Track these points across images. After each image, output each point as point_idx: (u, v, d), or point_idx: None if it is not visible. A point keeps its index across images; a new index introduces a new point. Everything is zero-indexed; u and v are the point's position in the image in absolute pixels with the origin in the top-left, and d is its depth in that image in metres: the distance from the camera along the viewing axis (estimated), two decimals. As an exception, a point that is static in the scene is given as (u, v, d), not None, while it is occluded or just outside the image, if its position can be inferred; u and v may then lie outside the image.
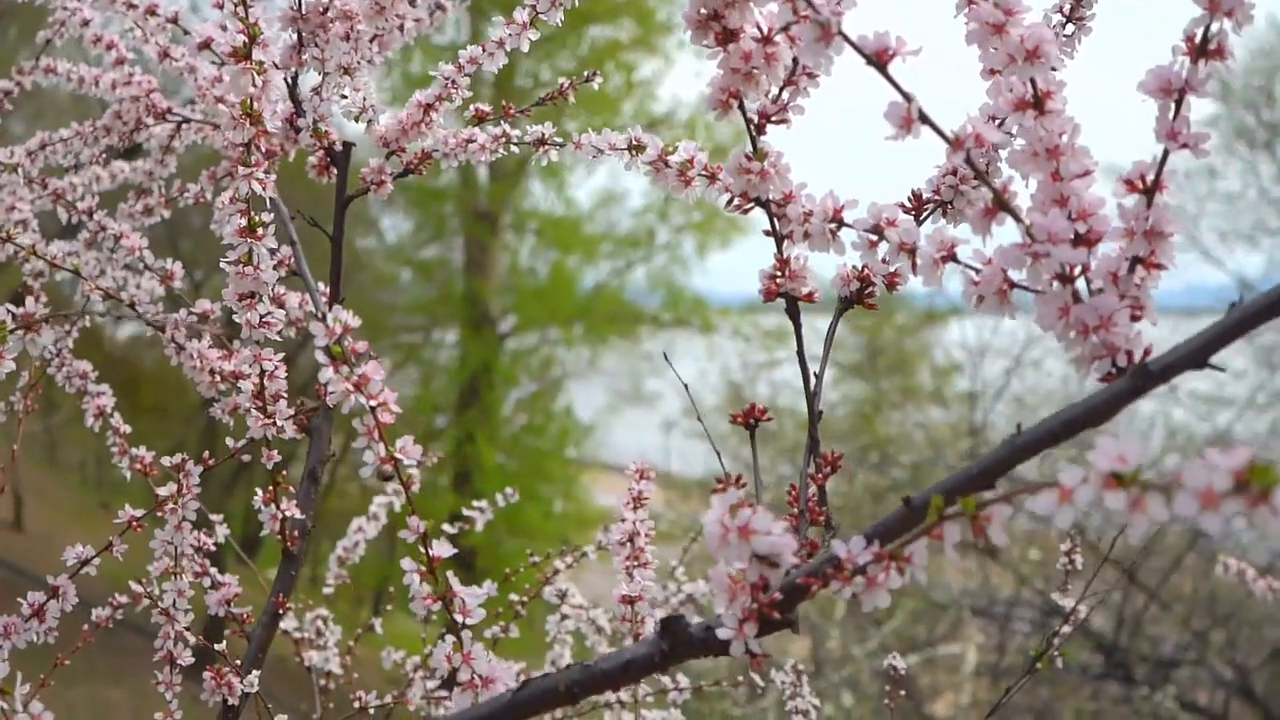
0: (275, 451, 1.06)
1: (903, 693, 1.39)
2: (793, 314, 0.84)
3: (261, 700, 1.11)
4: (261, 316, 0.98)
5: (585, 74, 1.27)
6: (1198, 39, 0.62)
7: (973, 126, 0.69)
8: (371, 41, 1.17)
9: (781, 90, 0.79)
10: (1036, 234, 0.65)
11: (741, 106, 0.77)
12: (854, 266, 0.83)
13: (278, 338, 1.00)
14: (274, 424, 1.03)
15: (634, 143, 1.05)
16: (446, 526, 1.83)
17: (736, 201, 0.82)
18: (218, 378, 1.17)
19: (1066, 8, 0.86)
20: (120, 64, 1.41)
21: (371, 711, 1.56)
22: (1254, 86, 8.17)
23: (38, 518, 9.12)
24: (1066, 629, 1.39)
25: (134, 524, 1.05)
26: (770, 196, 0.81)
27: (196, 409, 8.32)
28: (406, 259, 11.07)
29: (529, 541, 5.58)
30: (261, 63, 0.95)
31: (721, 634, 0.60)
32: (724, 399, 9.44)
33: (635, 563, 1.03)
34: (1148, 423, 7.57)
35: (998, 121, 0.72)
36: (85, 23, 1.39)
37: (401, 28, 1.19)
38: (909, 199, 0.83)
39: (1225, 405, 8.16)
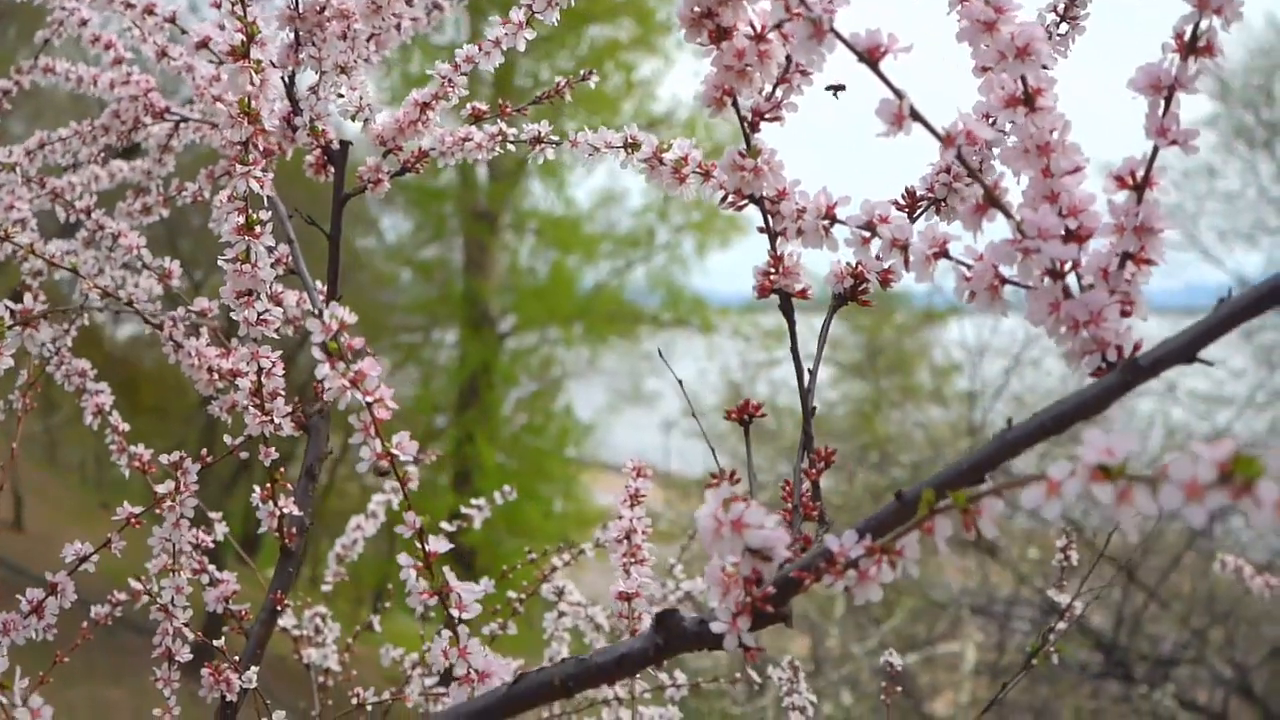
0: (273, 449, 1.07)
1: (899, 690, 1.39)
2: (786, 310, 0.85)
3: (260, 697, 1.12)
4: (259, 314, 0.99)
5: (582, 73, 1.27)
6: (1187, 36, 0.63)
7: (964, 123, 0.69)
8: (368, 41, 1.18)
9: (775, 88, 0.80)
10: (1027, 230, 0.66)
11: (735, 104, 0.78)
12: (847, 263, 0.83)
13: (275, 335, 1.00)
14: (271, 421, 1.03)
15: (630, 141, 1.06)
16: (445, 525, 1.83)
17: (731, 198, 0.82)
18: (216, 375, 1.17)
19: (1060, 7, 0.86)
20: (118, 63, 1.41)
21: (370, 709, 1.57)
22: (1253, 85, 8.17)
23: (37, 517, 9.11)
24: (1063, 625, 1.40)
25: (132, 521, 1.06)
26: (764, 193, 0.81)
27: (196, 409, 8.33)
28: (406, 259, 11.07)
29: (529, 541, 5.58)
30: (259, 62, 0.96)
31: (715, 628, 0.61)
32: (723, 398, 9.43)
33: (632, 560, 1.03)
34: (1146, 421, 7.58)
35: (989, 119, 0.72)
36: (83, 22, 1.39)
37: (398, 27, 1.20)
38: (903, 196, 0.83)
39: (1224, 404, 8.17)
